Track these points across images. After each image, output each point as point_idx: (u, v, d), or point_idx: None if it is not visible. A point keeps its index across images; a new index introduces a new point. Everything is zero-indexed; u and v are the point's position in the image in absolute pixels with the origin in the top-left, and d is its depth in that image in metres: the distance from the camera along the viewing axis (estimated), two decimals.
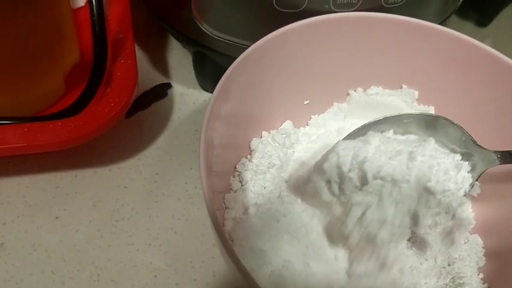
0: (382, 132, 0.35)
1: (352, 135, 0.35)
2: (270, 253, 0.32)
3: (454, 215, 0.32)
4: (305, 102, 0.39)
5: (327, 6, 0.36)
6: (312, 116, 0.39)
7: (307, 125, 0.39)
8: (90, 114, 0.36)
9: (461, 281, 0.33)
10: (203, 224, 0.37)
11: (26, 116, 0.37)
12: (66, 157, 0.39)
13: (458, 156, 0.32)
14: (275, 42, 0.34)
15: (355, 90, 0.39)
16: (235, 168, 0.36)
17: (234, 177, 0.35)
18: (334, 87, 0.39)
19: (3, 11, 0.32)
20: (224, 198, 0.34)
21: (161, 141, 0.42)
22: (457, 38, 0.35)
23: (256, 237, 0.32)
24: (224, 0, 0.36)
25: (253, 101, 0.36)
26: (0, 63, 0.35)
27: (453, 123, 0.34)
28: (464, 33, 0.35)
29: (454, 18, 0.45)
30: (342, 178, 0.32)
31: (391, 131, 0.34)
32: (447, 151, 0.33)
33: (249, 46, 0.33)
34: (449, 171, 0.31)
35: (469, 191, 0.32)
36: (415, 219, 0.31)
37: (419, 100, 0.38)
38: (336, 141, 0.34)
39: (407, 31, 0.36)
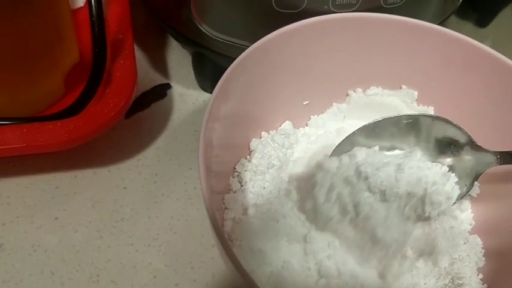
0: (369, 147, 0.35)
1: (340, 149, 0.36)
2: (269, 253, 0.32)
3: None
4: (304, 103, 0.39)
5: (326, 7, 0.36)
6: (312, 117, 0.39)
7: (307, 125, 0.39)
8: (90, 114, 0.36)
9: (460, 282, 0.33)
10: (202, 225, 0.37)
11: (25, 117, 0.37)
12: (65, 158, 0.39)
13: (445, 168, 0.32)
14: (274, 43, 0.34)
15: (354, 91, 0.39)
16: (235, 168, 0.36)
17: (233, 177, 0.35)
18: (334, 87, 0.39)
19: (3, 11, 0.32)
20: (223, 199, 0.34)
21: (160, 142, 0.42)
22: (456, 38, 0.35)
23: (256, 237, 0.32)
24: (223, 0, 0.36)
25: (252, 101, 0.36)
26: None
27: (452, 123, 0.34)
28: (464, 34, 0.35)
29: (453, 19, 0.45)
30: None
31: (377, 147, 0.34)
32: (435, 163, 0.33)
33: (248, 46, 0.32)
34: (437, 182, 0.31)
35: (458, 200, 0.33)
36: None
37: (419, 100, 0.38)
38: (333, 144, 0.34)
39: (407, 31, 0.36)
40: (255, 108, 0.36)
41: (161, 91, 0.45)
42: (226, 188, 0.35)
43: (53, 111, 0.37)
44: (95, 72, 0.37)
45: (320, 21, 0.34)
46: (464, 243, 0.35)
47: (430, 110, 0.38)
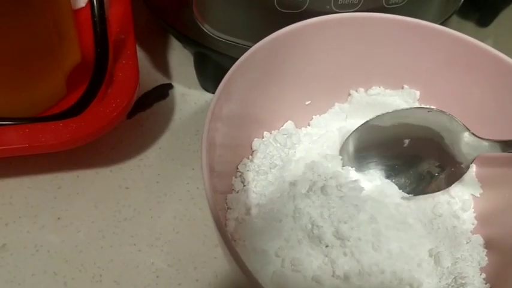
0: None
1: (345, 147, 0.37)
2: (272, 253, 0.32)
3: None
4: (306, 103, 0.39)
5: (328, 7, 0.36)
6: (314, 116, 0.39)
7: (309, 125, 0.39)
8: (92, 115, 0.36)
9: (463, 281, 0.32)
10: (205, 225, 0.37)
11: (28, 117, 0.37)
12: (67, 158, 0.39)
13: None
14: (276, 43, 0.34)
15: (356, 91, 0.39)
16: (237, 168, 0.36)
17: (235, 177, 0.35)
18: (336, 87, 0.39)
19: (4, 11, 0.32)
20: (226, 199, 0.34)
21: (163, 142, 0.42)
22: (458, 38, 0.35)
23: (259, 237, 0.32)
24: (226, 0, 0.36)
25: (254, 101, 0.36)
26: (1, 64, 0.35)
27: (444, 113, 0.35)
28: (465, 33, 0.35)
29: (454, 18, 0.45)
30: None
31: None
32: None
33: (250, 47, 0.33)
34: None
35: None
36: None
37: (421, 100, 0.38)
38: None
39: (409, 31, 0.36)
40: (257, 108, 0.36)
41: (163, 91, 0.45)
42: (228, 188, 0.35)
43: (55, 112, 0.37)
44: (97, 72, 0.37)
45: (322, 21, 0.34)
46: (467, 242, 0.35)
47: None
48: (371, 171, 0.37)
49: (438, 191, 0.36)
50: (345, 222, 0.33)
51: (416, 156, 0.36)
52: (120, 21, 0.41)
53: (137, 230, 0.37)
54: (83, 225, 0.37)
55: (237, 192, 0.35)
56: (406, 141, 0.36)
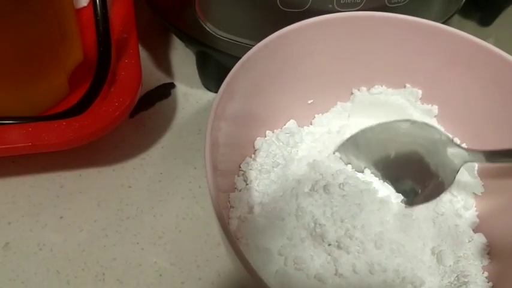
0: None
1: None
2: (275, 252, 0.32)
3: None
4: (309, 102, 0.39)
5: (330, 6, 0.36)
6: (316, 115, 0.39)
7: (311, 124, 0.39)
8: (95, 114, 0.36)
9: (466, 280, 0.33)
10: (208, 223, 0.37)
11: (31, 116, 0.37)
12: (70, 156, 0.39)
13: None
14: (279, 42, 0.34)
15: (358, 90, 0.39)
16: (240, 167, 0.36)
17: (238, 176, 0.35)
18: (338, 86, 0.39)
19: (6, 10, 0.32)
20: (229, 197, 0.34)
21: (165, 141, 0.42)
22: (460, 37, 0.35)
23: (262, 236, 0.32)
24: None
25: (257, 100, 0.36)
26: (4, 63, 0.35)
27: (427, 124, 0.36)
28: (467, 33, 0.35)
29: (456, 18, 0.45)
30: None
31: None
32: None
33: (253, 46, 0.33)
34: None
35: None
36: None
37: (423, 99, 0.38)
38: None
39: (411, 30, 0.36)
40: (260, 107, 0.36)
41: (165, 90, 0.45)
42: (231, 187, 0.35)
43: (57, 111, 0.37)
44: (100, 71, 0.37)
45: (325, 20, 0.34)
46: (469, 241, 0.35)
47: (434, 109, 0.38)
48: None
49: (426, 202, 0.35)
50: (348, 221, 0.33)
51: (404, 167, 0.37)
52: (122, 20, 0.41)
53: (140, 228, 0.37)
54: (86, 224, 0.37)
55: (240, 191, 0.35)
56: (393, 153, 0.37)
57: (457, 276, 0.33)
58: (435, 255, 0.34)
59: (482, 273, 0.33)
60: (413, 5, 0.38)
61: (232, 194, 0.34)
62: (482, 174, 0.37)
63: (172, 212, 0.38)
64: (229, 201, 0.34)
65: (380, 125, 0.37)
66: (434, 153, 0.36)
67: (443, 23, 0.39)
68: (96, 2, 0.36)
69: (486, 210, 0.36)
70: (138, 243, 0.36)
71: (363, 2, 0.36)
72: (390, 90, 0.39)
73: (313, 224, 0.33)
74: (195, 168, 0.40)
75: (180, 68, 0.47)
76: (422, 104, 0.38)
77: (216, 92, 0.45)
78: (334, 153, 0.37)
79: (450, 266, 0.33)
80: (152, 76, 0.46)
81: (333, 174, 0.35)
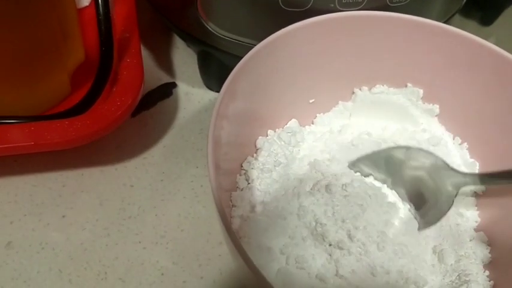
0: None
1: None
2: (277, 251, 0.32)
3: None
4: (310, 101, 0.39)
5: (332, 5, 0.36)
6: (317, 115, 0.40)
7: (313, 123, 0.39)
8: (97, 113, 0.36)
9: (467, 278, 0.33)
10: (209, 222, 0.37)
11: (34, 115, 0.37)
12: (72, 156, 0.39)
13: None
14: (281, 41, 0.34)
15: (360, 89, 0.39)
16: (241, 166, 0.36)
17: (240, 175, 0.35)
18: (340, 85, 0.39)
19: (8, 10, 0.32)
20: (231, 196, 0.34)
21: (167, 140, 0.42)
22: (461, 36, 0.35)
23: (263, 235, 0.32)
24: None
25: (259, 99, 0.36)
26: (5, 63, 0.35)
27: (423, 150, 0.36)
28: (468, 32, 0.35)
29: (457, 17, 0.45)
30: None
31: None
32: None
33: (255, 45, 0.33)
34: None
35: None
36: None
37: (424, 98, 0.38)
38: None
39: (412, 30, 0.36)
40: (262, 106, 0.36)
41: (167, 90, 0.45)
42: (233, 186, 0.35)
43: (59, 110, 0.37)
44: (102, 70, 0.37)
45: (326, 20, 0.35)
46: (470, 240, 0.35)
47: (435, 108, 0.38)
48: None
49: (427, 227, 0.35)
50: (349, 222, 0.33)
51: (406, 192, 0.36)
52: (124, 19, 0.41)
53: (142, 227, 0.37)
54: (88, 223, 0.37)
55: (242, 190, 0.35)
56: (406, 174, 0.36)
57: (458, 275, 0.33)
58: (437, 254, 0.34)
59: (484, 271, 0.34)
60: (414, 5, 0.38)
61: (234, 193, 0.34)
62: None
63: (174, 211, 0.38)
64: (231, 200, 0.34)
65: (384, 151, 0.37)
66: (435, 178, 0.35)
67: (445, 22, 0.39)
68: (98, 1, 0.36)
69: (487, 209, 0.36)
70: (140, 242, 0.36)
71: (365, 2, 0.36)
72: (392, 89, 0.39)
73: (314, 223, 0.33)
74: (197, 167, 0.40)
75: (182, 67, 0.47)
76: (424, 103, 0.39)
77: (217, 91, 0.45)
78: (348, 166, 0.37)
79: (451, 264, 0.33)
80: (154, 75, 0.46)
81: (335, 174, 0.36)
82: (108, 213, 0.37)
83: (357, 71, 0.38)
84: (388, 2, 0.37)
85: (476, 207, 0.37)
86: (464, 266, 0.33)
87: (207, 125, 0.43)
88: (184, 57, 0.48)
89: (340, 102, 0.40)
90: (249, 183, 0.35)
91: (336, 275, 0.32)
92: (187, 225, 0.37)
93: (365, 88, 0.39)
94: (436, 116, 0.39)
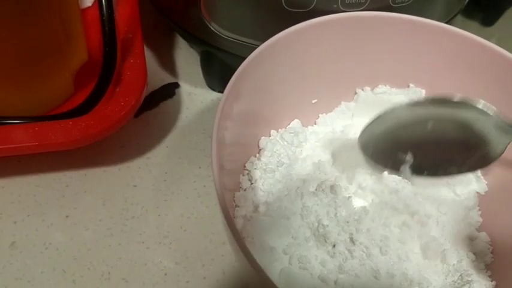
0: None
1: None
2: (280, 251, 0.32)
3: None
4: (313, 101, 0.39)
5: (335, 6, 0.36)
6: (320, 115, 0.40)
7: (315, 123, 0.40)
8: (101, 113, 0.36)
9: (469, 278, 0.33)
10: (212, 223, 0.37)
11: (37, 116, 0.37)
12: (75, 156, 0.40)
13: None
14: (284, 42, 0.34)
15: (362, 89, 0.39)
16: (245, 166, 0.36)
17: (243, 175, 0.36)
18: (342, 86, 0.39)
19: (12, 11, 0.32)
20: (234, 197, 0.34)
21: (169, 141, 0.42)
22: (463, 36, 0.35)
23: (267, 235, 0.32)
24: None
25: (262, 100, 0.36)
26: (9, 63, 0.35)
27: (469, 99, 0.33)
28: (470, 32, 0.35)
29: (459, 18, 0.45)
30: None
31: None
32: None
33: (257, 46, 0.33)
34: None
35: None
36: None
37: None
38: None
39: (415, 30, 0.36)
40: (265, 106, 0.36)
41: (170, 90, 0.45)
42: (236, 186, 0.35)
43: (62, 111, 0.38)
44: (105, 71, 0.37)
45: (329, 20, 0.35)
46: (473, 240, 0.35)
47: None
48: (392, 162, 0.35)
49: (469, 172, 0.34)
50: (352, 224, 0.33)
51: (442, 141, 0.34)
52: (127, 20, 0.41)
53: (145, 228, 0.37)
54: (91, 223, 0.37)
55: (245, 190, 0.35)
56: (430, 125, 0.34)
57: (460, 275, 0.33)
58: (439, 254, 0.34)
59: (486, 271, 0.34)
60: (417, 5, 0.38)
61: (238, 193, 0.34)
62: (486, 174, 0.37)
63: (177, 212, 0.38)
64: (234, 201, 0.34)
65: (407, 105, 0.34)
66: (479, 126, 0.32)
67: (447, 23, 0.39)
68: (102, 2, 0.37)
69: (489, 210, 0.36)
70: (143, 242, 0.36)
71: (367, 2, 0.36)
72: (394, 89, 0.39)
73: (316, 224, 0.33)
74: (200, 167, 0.41)
75: (185, 67, 0.47)
76: None
77: (220, 91, 0.45)
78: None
79: (454, 265, 0.34)
80: (156, 76, 0.46)
81: (338, 175, 0.36)
82: (111, 213, 0.37)
83: (359, 72, 0.38)
84: (390, 3, 0.37)
85: (478, 207, 0.37)
86: (467, 266, 0.34)
87: (209, 125, 0.43)
88: (187, 58, 0.48)
89: (342, 102, 0.40)
90: (252, 184, 0.35)
91: (339, 276, 0.32)
92: (190, 226, 0.37)
93: (367, 88, 0.39)
94: None
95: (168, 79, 0.46)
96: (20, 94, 0.37)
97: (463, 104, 0.32)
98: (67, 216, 0.37)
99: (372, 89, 0.39)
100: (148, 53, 0.47)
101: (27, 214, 0.37)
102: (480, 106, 0.32)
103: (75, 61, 0.39)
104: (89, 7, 0.45)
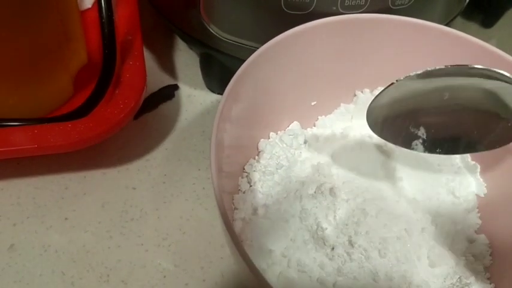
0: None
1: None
2: (279, 254, 0.32)
3: None
4: (312, 103, 0.39)
5: (334, 8, 0.36)
6: (319, 117, 0.40)
7: (314, 125, 0.40)
8: (100, 115, 0.36)
9: (468, 281, 0.33)
10: (211, 225, 0.37)
11: (37, 118, 0.37)
12: (74, 158, 0.40)
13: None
14: (283, 44, 0.34)
15: (362, 91, 0.39)
16: (244, 169, 0.36)
17: (242, 178, 0.36)
18: (341, 88, 0.39)
19: (11, 12, 0.32)
20: (233, 199, 0.34)
21: (169, 143, 0.42)
22: (463, 38, 0.35)
23: (266, 237, 0.32)
24: (233, 1, 0.36)
25: (261, 102, 0.36)
26: (8, 65, 0.35)
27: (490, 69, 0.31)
28: (469, 34, 0.35)
29: (459, 19, 0.45)
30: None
31: None
32: None
33: (257, 48, 0.33)
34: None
35: None
36: None
37: None
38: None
39: (414, 32, 0.36)
40: (264, 108, 0.36)
41: (169, 92, 0.45)
42: (235, 188, 0.35)
43: (61, 113, 0.38)
44: (105, 73, 0.37)
45: (328, 23, 0.35)
46: (471, 242, 0.35)
47: None
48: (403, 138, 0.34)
49: (485, 150, 0.32)
50: (351, 226, 0.33)
51: (459, 113, 0.32)
52: (127, 22, 0.41)
53: (144, 230, 0.37)
54: (90, 225, 0.37)
55: (244, 193, 0.35)
56: (446, 96, 0.32)
57: (459, 278, 0.33)
58: (438, 256, 0.34)
59: (485, 274, 0.34)
60: (416, 7, 0.38)
61: (236, 196, 0.34)
62: (485, 176, 0.37)
63: (176, 214, 0.38)
64: (233, 203, 0.34)
65: (424, 73, 0.32)
66: (504, 98, 0.30)
67: (446, 24, 0.39)
68: (101, 4, 0.37)
69: (488, 212, 0.36)
70: (142, 244, 0.36)
71: (367, 4, 0.36)
72: None
73: (315, 227, 0.33)
74: (199, 169, 0.41)
75: (184, 69, 0.47)
76: None
77: (219, 93, 0.45)
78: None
79: (452, 267, 0.34)
80: (156, 78, 0.46)
81: (338, 178, 0.36)
82: (111, 215, 0.37)
83: (358, 74, 0.38)
84: (390, 5, 0.37)
85: (477, 209, 0.37)
86: (465, 268, 0.33)
87: (208, 127, 0.43)
88: (186, 60, 0.48)
89: (342, 104, 0.40)
90: (251, 186, 0.35)
91: (337, 279, 0.32)
92: (189, 228, 0.37)
93: (367, 90, 0.39)
94: None
95: (168, 81, 0.46)
96: (19, 96, 0.37)
97: (487, 72, 0.30)
98: (66, 219, 0.37)
99: (371, 91, 0.39)
100: (147, 55, 0.47)
101: (27, 216, 0.37)
102: (507, 73, 0.29)
103: (74, 63, 0.39)
104: (89, 9, 0.45)
